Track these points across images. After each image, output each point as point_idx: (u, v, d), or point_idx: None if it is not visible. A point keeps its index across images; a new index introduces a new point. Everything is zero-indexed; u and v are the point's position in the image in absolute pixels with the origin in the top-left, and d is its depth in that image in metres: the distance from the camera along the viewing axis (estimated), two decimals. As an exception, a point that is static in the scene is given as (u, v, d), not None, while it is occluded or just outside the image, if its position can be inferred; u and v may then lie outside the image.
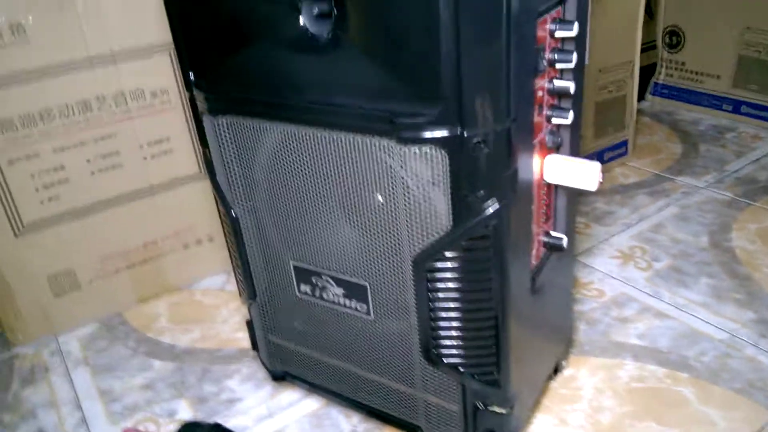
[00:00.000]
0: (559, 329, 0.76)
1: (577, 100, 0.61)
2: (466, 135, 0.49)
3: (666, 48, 1.58)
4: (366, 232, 0.59)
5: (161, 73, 0.94)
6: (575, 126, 0.63)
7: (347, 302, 0.65)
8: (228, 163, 0.66)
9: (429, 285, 0.57)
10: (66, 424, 0.78)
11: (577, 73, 0.60)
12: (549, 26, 0.54)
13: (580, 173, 0.58)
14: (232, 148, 0.64)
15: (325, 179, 0.60)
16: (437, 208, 0.53)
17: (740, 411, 0.72)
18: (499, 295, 0.55)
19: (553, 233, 0.65)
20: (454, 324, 0.59)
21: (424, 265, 0.56)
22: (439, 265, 0.56)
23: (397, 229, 0.57)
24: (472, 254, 0.54)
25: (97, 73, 0.89)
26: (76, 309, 0.97)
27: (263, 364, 0.81)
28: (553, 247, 0.65)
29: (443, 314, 0.58)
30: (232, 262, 0.74)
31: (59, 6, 0.83)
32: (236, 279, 0.75)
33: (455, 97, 0.47)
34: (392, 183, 0.55)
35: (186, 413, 0.78)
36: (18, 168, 0.87)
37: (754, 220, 1.09)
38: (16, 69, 0.83)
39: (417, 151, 0.51)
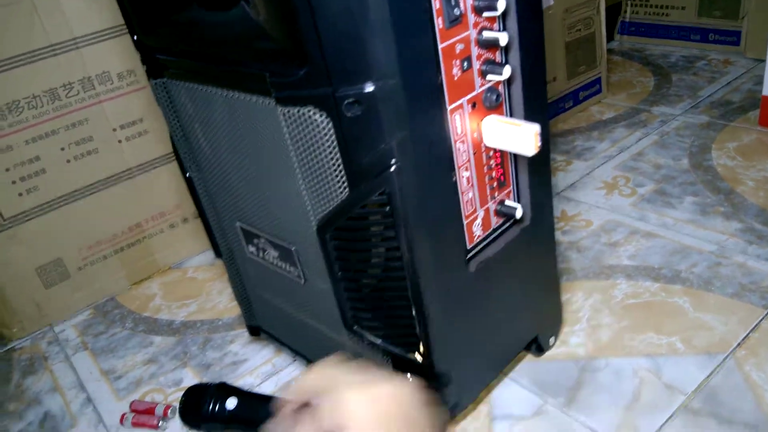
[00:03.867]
0: (533, 307, 0.68)
1: (528, 50, 0.53)
2: (337, 95, 0.45)
3: (629, -15, 1.59)
4: (279, 196, 0.57)
5: (125, 54, 0.93)
6: (531, 79, 0.55)
7: (283, 265, 0.64)
8: (172, 124, 0.65)
9: (335, 253, 0.54)
10: (72, 405, 0.78)
11: (527, 19, 0.52)
12: None
13: (515, 137, 0.51)
14: (170, 110, 0.64)
15: (239, 141, 0.58)
16: (329, 174, 0.50)
17: (735, 314, 0.73)
18: (411, 267, 0.51)
19: (507, 202, 0.58)
20: (366, 293, 0.55)
21: (326, 232, 0.53)
22: (341, 232, 0.52)
23: (301, 195, 0.54)
24: (371, 222, 0.50)
25: (61, 61, 0.88)
26: (69, 298, 0.96)
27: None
28: (507, 217, 0.59)
29: (352, 283, 0.55)
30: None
31: (10, -7, 0.82)
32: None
33: (319, 55, 0.44)
34: (284, 146, 0.52)
35: (192, 381, 0.78)
36: (-8, 162, 0.86)
37: (732, 138, 1.10)
38: (-23, 64, 0.82)
39: (296, 112, 0.48)
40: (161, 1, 0.57)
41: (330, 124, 0.47)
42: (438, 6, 0.46)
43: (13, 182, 0.89)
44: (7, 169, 0.88)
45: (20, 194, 0.90)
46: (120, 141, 0.96)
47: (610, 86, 1.37)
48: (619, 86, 1.38)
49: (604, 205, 0.98)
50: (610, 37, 1.64)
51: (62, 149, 0.92)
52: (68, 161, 0.92)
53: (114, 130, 0.95)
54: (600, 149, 1.14)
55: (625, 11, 1.61)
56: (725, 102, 1.23)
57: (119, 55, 0.93)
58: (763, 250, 0.82)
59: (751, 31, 1.40)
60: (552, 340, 0.72)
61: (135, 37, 0.63)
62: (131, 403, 0.75)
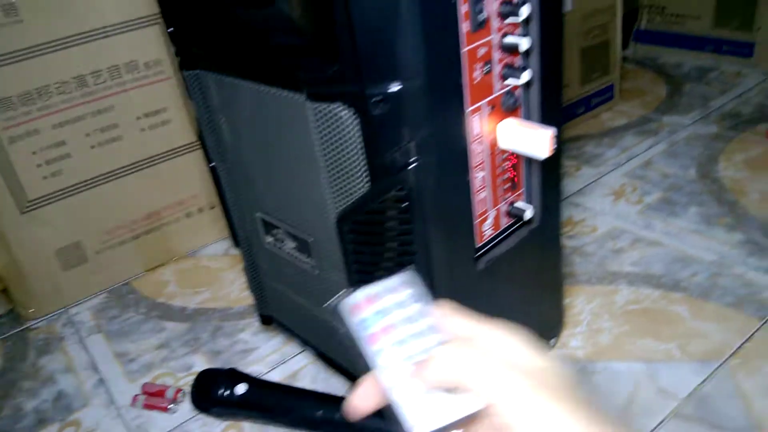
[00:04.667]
0: (536, 307, 0.70)
1: (547, 56, 0.56)
2: (366, 92, 0.47)
3: (646, -7, 1.60)
4: (301, 187, 0.60)
5: (153, 44, 0.96)
6: (548, 85, 0.57)
7: (299, 255, 0.66)
8: (202, 115, 0.68)
9: (352, 246, 0.56)
10: (85, 385, 0.81)
11: (548, 26, 0.54)
12: None
13: (530, 140, 0.53)
14: (202, 101, 0.67)
15: (265, 134, 0.61)
16: (352, 169, 0.52)
17: (732, 322, 0.75)
18: (423, 262, 0.53)
19: (518, 203, 0.60)
20: None
21: (344, 224, 0.55)
22: (359, 226, 0.54)
23: (322, 188, 0.57)
24: (389, 217, 0.52)
25: (91, 48, 0.91)
26: (85, 281, 0.99)
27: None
28: (517, 218, 0.61)
29: (367, 276, 0.57)
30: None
31: (47, -18, 0.85)
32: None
33: (352, 53, 0.46)
34: (309, 141, 0.55)
35: (202, 366, 0.81)
36: (19, 145, 0.89)
37: (740, 150, 1.11)
38: (11, 48, 0.85)
39: (325, 108, 0.51)
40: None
41: (357, 121, 0.49)
42: (465, 10, 0.49)
43: (39, 165, 0.92)
44: (34, 152, 0.91)
45: (45, 177, 0.92)
46: (143, 129, 0.98)
47: (622, 93, 1.39)
48: (631, 94, 1.40)
49: (610, 211, 1.00)
50: (624, 45, 1.65)
51: (87, 135, 0.94)
52: (92, 147, 0.95)
53: (138, 118, 0.97)
54: (609, 156, 1.16)
55: (641, 19, 1.62)
56: (735, 114, 1.24)
57: (148, 45, 0.95)
58: (762, 262, 0.84)
59: (764, 44, 1.41)
60: (552, 341, 0.74)
61: (170, 29, 0.65)
62: (143, 386, 0.78)
